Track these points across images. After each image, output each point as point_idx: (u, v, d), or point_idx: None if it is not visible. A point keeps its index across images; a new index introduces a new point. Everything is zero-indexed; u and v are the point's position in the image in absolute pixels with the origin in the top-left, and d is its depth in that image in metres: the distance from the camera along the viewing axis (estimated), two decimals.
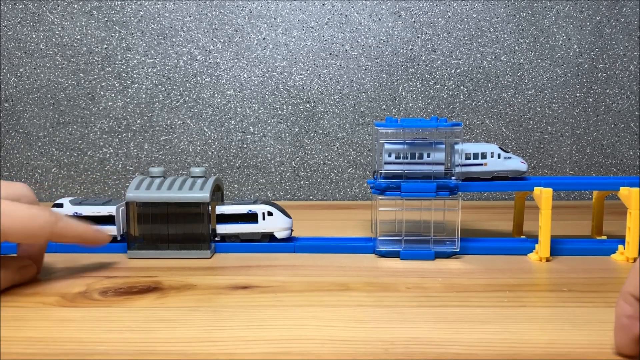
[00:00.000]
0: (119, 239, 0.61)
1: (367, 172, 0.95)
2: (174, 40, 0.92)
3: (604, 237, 0.65)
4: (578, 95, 0.94)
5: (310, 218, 0.80)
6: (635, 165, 0.96)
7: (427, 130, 0.59)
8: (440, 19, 0.92)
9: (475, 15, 0.92)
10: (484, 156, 0.60)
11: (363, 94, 0.94)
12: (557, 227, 0.61)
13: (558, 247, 0.59)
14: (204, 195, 0.58)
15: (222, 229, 0.61)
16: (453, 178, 0.59)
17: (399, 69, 0.93)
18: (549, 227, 0.57)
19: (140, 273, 0.54)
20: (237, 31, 0.92)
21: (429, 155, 0.58)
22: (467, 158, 0.60)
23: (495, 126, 0.95)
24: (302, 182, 0.96)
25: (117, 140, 0.94)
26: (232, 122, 0.94)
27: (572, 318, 0.42)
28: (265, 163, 0.95)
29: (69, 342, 0.39)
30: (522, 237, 0.66)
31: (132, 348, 0.38)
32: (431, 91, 0.94)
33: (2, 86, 0.92)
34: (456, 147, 0.59)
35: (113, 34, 0.92)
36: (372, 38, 0.93)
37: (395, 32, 0.93)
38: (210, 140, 0.94)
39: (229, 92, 0.93)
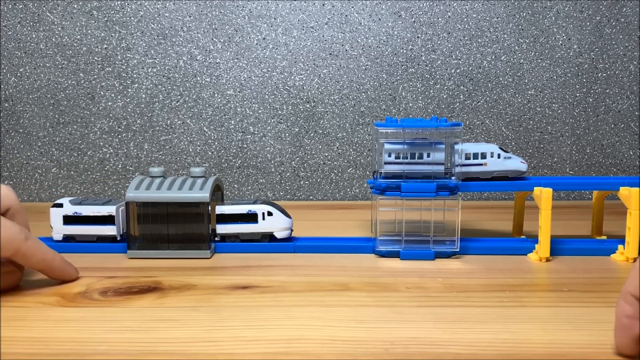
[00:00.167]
0: (119, 239, 0.61)
1: (367, 172, 0.95)
2: (174, 40, 0.92)
3: (604, 237, 0.65)
4: (578, 95, 0.94)
5: (310, 218, 0.80)
6: (635, 165, 0.96)
7: (427, 130, 0.59)
8: (440, 19, 0.92)
9: (475, 15, 0.92)
10: (484, 156, 0.60)
11: (363, 94, 0.94)
12: (557, 227, 0.61)
13: (558, 247, 0.59)
14: (204, 195, 0.58)
15: (222, 229, 0.61)
16: (453, 178, 0.59)
17: (399, 69, 0.93)
18: (549, 227, 0.57)
19: (140, 273, 0.54)
20: (237, 31, 0.92)
21: (429, 155, 0.58)
22: (467, 158, 0.60)
23: (495, 126, 0.95)
24: (302, 182, 0.96)
25: (117, 140, 0.94)
26: (232, 122, 0.94)
27: (572, 318, 0.42)
28: (265, 163, 0.95)
29: (69, 342, 0.39)
30: (522, 237, 0.66)
31: (132, 348, 0.38)
32: (431, 91, 0.94)
33: (2, 86, 0.92)
34: (456, 147, 0.59)
35: (113, 34, 0.92)
36: (372, 38, 0.93)
37: (395, 32, 0.93)
38: (210, 140, 0.94)
39: (229, 92, 0.93)
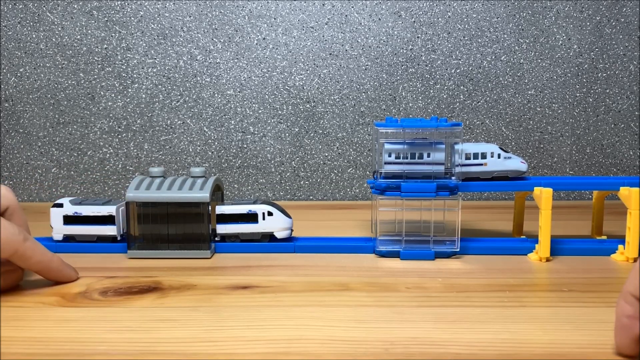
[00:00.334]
0: (119, 239, 0.61)
1: (367, 172, 0.95)
2: (174, 40, 0.92)
3: (604, 237, 0.65)
4: (578, 95, 0.94)
5: (310, 218, 0.80)
6: (635, 165, 0.96)
7: (427, 130, 0.59)
8: (440, 19, 0.92)
9: (475, 15, 0.92)
10: (484, 156, 0.60)
11: (363, 94, 0.94)
12: (557, 227, 0.61)
13: (558, 247, 0.59)
14: (204, 195, 0.58)
15: (222, 229, 0.61)
16: (453, 178, 0.59)
17: (399, 69, 0.93)
18: (549, 227, 0.57)
19: (140, 273, 0.54)
20: (237, 31, 0.92)
21: (429, 155, 0.58)
22: (467, 158, 0.60)
23: (495, 126, 0.95)
24: (302, 182, 0.96)
25: (117, 140, 0.94)
26: (232, 122, 0.94)
27: (572, 318, 0.42)
28: (265, 163, 0.95)
29: (69, 342, 0.39)
30: (522, 237, 0.66)
31: (132, 348, 0.38)
32: (431, 91, 0.94)
33: (2, 86, 0.92)
34: (456, 147, 0.59)
35: (113, 34, 0.92)
36: (372, 38, 0.93)
37: (395, 32, 0.93)
38: (210, 140, 0.94)
39: (229, 92, 0.93)
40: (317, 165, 0.95)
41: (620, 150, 0.95)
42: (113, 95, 0.93)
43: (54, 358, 0.36)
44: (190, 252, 0.59)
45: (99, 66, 0.92)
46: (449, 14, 0.92)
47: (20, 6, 0.91)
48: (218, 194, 0.64)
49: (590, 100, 0.94)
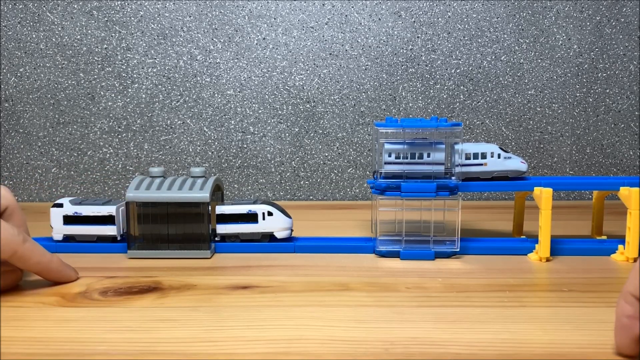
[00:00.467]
0: (119, 239, 0.61)
1: (367, 172, 0.95)
2: (174, 40, 0.92)
3: (604, 237, 0.65)
4: (578, 95, 0.94)
5: (310, 218, 0.80)
6: (635, 165, 0.96)
7: (427, 130, 0.59)
8: (440, 19, 0.92)
9: (475, 15, 0.92)
10: (484, 156, 0.60)
11: (363, 94, 0.94)
12: (557, 227, 0.61)
13: (558, 247, 0.59)
14: (204, 195, 0.58)
15: (222, 229, 0.61)
16: (453, 178, 0.59)
17: (399, 69, 0.93)
18: (549, 227, 0.57)
19: (140, 273, 0.54)
20: (237, 31, 0.92)
21: (429, 155, 0.58)
22: (467, 158, 0.60)
23: (495, 126, 0.95)
24: (302, 182, 0.96)
25: (117, 140, 0.94)
26: (232, 122, 0.94)
27: (572, 318, 0.42)
28: (265, 163, 0.95)
29: (69, 342, 0.39)
30: (522, 237, 0.66)
31: (132, 348, 0.38)
32: (431, 91, 0.94)
33: (2, 86, 0.92)
34: (456, 147, 0.59)
35: (113, 34, 0.92)
36: (372, 38, 0.93)
37: (395, 32, 0.93)
38: (210, 140, 0.94)
39: (229, 92, 0.93)
40: (317, 165, 0.95)
41: (620, 150, 0.95)
42: (113, 95, 0.93)
43: (54, 358, 0.36)
44: (190, 252, 0.59)
45: (99, 66, 0.92)
46: (449, 14, 0.92)
47: (20, 6, 0.91)
48: (218, 194, 0.64)
49: (590, 100, 0.94)
